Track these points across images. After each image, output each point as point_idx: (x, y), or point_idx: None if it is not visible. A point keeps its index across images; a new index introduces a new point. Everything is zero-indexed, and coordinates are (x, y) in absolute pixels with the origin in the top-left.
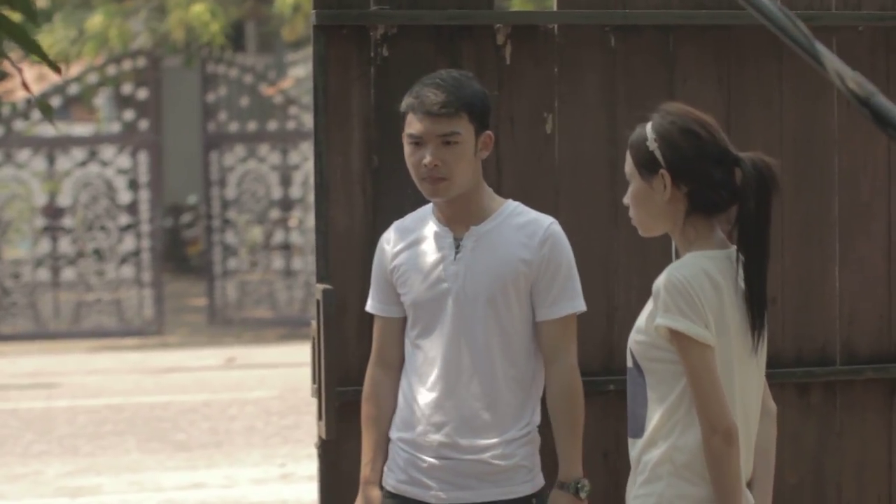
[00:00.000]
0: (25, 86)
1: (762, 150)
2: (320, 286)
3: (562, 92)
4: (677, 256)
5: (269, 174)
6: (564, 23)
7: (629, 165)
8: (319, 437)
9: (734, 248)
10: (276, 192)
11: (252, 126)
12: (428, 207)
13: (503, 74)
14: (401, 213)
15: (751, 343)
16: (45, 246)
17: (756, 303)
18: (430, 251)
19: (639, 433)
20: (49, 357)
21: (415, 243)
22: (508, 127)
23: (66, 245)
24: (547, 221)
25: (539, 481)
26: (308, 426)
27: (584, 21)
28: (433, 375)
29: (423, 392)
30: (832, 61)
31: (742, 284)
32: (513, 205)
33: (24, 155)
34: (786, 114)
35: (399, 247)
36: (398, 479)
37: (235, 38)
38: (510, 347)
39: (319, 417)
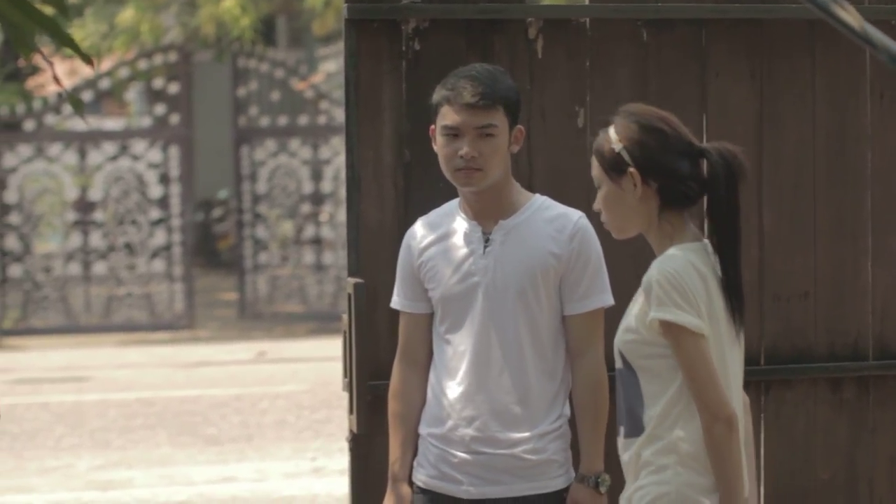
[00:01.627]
0: (57, 80)
1: (795, 145)
2: (352, 280)
3: (593, 86)
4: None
5: (299, 169)
6: (596, 17)
7: (596, 170)
8: (351, 431)
9: (706, 240)
10: (307, 187)
11: (283, 120)
12: (454, 203)
13: (535, 68)
14: (432, 207)
15: (734, 331)
16: (76, 240)
17: (734, 290)
18: (458, 245)
19: (637, 432)
20: (80, 351)
21: (443, 238)
22: (540, 121)
23: (97, 239)
24: (576, 216)
25: (571, 476)
26: (339, 420)
27: (616, 15)
28: (463, 369)
29: (452, 386)
30: (885, 43)
31: (719, 273)
32: (541, 199)
33: (55, 149)
34: (819, 108)
35: (426, 242)
36: (428, 474)
37: (266, 32)
38: (539, 340)
39: (351, 411)
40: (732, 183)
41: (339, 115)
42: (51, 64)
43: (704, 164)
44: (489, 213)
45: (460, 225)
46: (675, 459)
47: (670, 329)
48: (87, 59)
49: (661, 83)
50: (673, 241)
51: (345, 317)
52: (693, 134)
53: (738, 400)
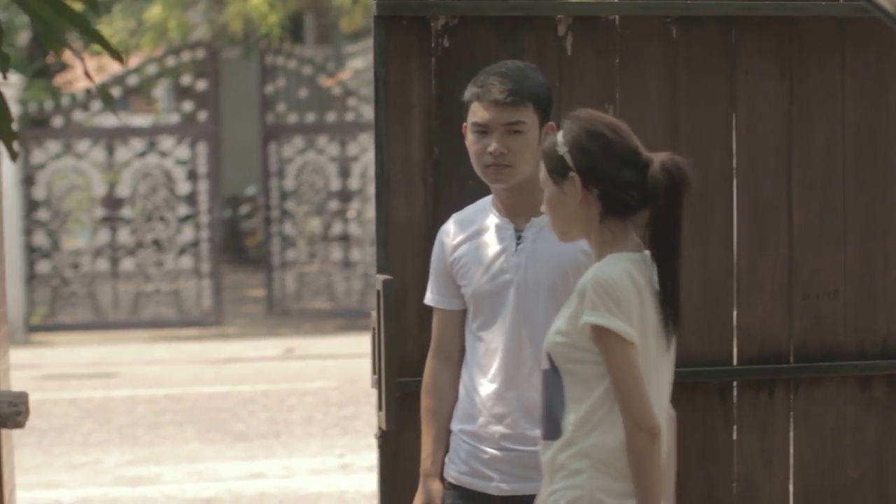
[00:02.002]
0: (88, 75)
1: (824, 144)
2: (380, 277)
3: (623, 83)
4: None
5: (327, 165)
6: (626, 14)
7: (542, 172)
8: (379, 428)
9: (648, 251)
10: (335, 184)
11: (310, 117)
12: (487, 199)
13: (564, 65)
14: (461, 204)
15: (665, 343)
16: (104, 236)
17: (670, 303)
18: (491, 243)
19: (554, 435)
20: (108, 347)
21: (475, 235)
22: None
23: (125, 235)
24: None
25: None
26: (367, 417)
27: (646, 12)
28: (494, 367)
29: (484, 383)
30: None
31: (656, 286)
32: None
33: (83, 145)
34: (848, 106)
35: (459, 239)
36: (460, 470)
37: (294, 29)
38: None
39: (379, 408)
40: (674, 196)
41: (367, 111)
42: (82, 59)
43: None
44: (521, 210)
45: (493, 222)
46: (589, 464)
47: (601, 334)
48: (117, 56)
49: (690, 81)
50: (612, 248)
51: (373, 313)
52: (725, 131)
53: (662, 412)
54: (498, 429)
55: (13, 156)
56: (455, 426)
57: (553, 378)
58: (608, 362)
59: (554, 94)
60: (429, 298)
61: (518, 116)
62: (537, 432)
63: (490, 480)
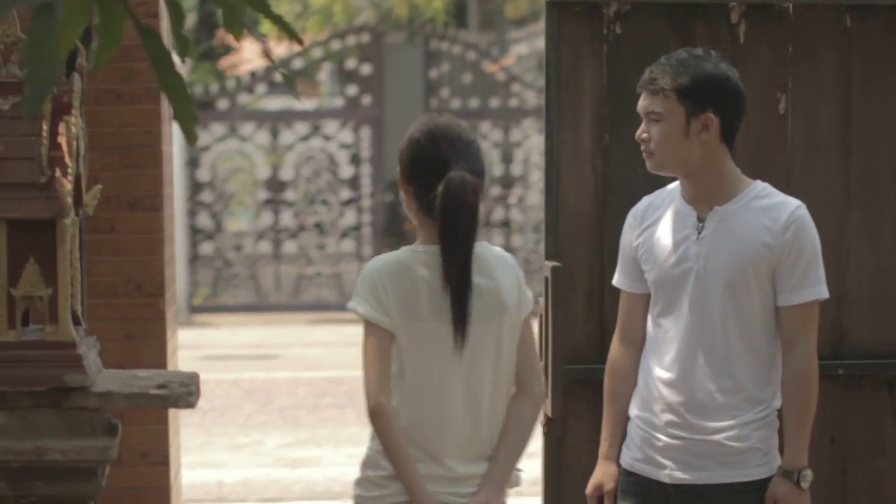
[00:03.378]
0: (268, 56)
1: None
2: (549, 263)
3: (795, 72)
4: None
5: (490, 151)
6: (800, 2)
7: None
8: (545, 415)
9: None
10: (497, 170)
11: (474, 103)
12: (676, 184)
13: (736, 54)
14: (631, 192)
15: (451, 330)
16: (266, 219)
17: (454, 295)
18: (674, 230)
19: None
20: (269, 329)
21: (660, 220)
22: None
23: (287, 218)
24: (793, 205)
25: (774, 465)
26: None
27: (820, 0)
28: (670, 355)
29: (660, 371)
30: None
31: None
32: (759, 186)
33: (247, 128)
34: None
35: (646, 223)
36: (634, 457)
37: (458, 14)
38: (748, 330)
39: (545, 395)
40: (450, 209)
41: (531, 97)
42: (264, 41)
43: None
44: (703, 198)
45: (678, 208)
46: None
47: (357, 316)
48: (297, 38)
49: (865, 70)
50: (416, 241)
51: (541, 300)
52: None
53: (476, 394)
54: (671, 417)
55: (192, 139)
56: (632, 412)
57: None
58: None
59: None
60: (616, 280)
61: (654, 106)
62: (710, 423)
63: (662, 468)
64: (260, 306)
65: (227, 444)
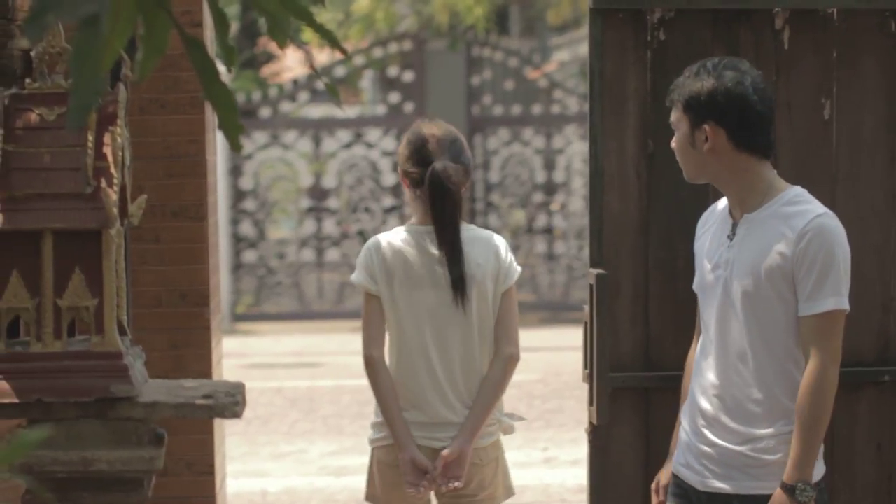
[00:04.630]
0: (312, 66)
1: None
2: (594, 271)
3: (840, 77)
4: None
5: (532, 158)
6: (844, 7)
7: None
8: (590, 423)
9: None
10: (540, 176)
11: (516, 109)
12: None
13: (781, 59)
14: (676, 199)
15: (451, 298)
16: (309, 226)
17: (450, 267)
18: (716, 235)
19: None
20: (312, 337)
21: (711, 226)
22: (786, 112)
23: (330, 226)
24: (813, 213)
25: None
26: (571, 411)
27: (865, 5)
28: (707, 361)
29: (699, 377)
30: None
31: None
32: (792, 192)
33: (290, 136)
34: None
35: (703, 230)
36: (678, 461)
37: (499, 21)
38: (770, 340)
39: (591, 403)
40: (436, 194)
41: (573, 104)
42: (306, 50)
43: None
44: (735, 205)
45: (723, 215)
46: None
47: None
48: (341, 47)
49: None
50: (412, 222)
51: (586, 308)
52: None
53: (467, 352)
54: (703, 424)
55: (237, 147)
56: (681, 415)
57: None
58: None
59: (770, 89)
60: (693, 284)
61: (672, 117)
62: (741, 432)
63: (697, 474)
64: (303, 314)
65: (271, 453)
